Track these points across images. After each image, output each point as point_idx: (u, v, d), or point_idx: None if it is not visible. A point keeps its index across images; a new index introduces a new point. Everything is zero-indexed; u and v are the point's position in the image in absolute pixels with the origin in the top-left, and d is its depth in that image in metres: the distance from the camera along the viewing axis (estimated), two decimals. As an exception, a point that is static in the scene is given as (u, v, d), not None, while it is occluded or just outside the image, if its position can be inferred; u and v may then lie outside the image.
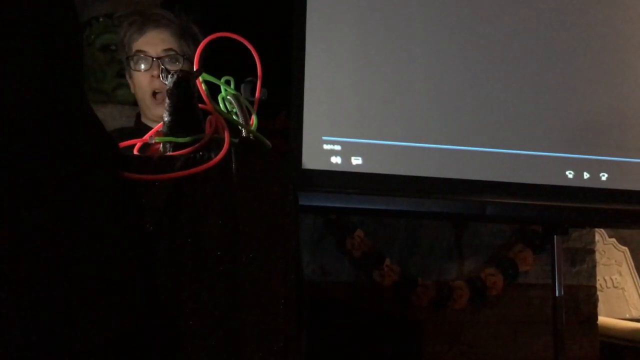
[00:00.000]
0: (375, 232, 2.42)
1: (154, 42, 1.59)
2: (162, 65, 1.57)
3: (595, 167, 1.94)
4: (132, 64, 1.60)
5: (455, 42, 1.89)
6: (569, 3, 2.00)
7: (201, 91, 0.85)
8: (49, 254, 0.57)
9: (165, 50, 1.59)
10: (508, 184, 1.86)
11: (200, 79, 0.86)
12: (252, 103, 0.90)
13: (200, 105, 0.84)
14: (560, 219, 1.98)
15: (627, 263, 3.47)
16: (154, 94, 1.59)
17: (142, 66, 1.59)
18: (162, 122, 1.65)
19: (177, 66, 1.59)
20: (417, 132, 1.83)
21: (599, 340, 2.63)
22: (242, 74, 0.94)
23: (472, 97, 1.89)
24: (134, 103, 1.80)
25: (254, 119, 0.89)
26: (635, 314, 3.37)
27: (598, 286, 2.73)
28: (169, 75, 0.81)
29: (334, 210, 2.17)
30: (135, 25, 1.61)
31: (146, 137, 0.84)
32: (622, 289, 3.42)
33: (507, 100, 1.91)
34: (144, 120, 1.68)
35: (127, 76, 1.67)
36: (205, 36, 0.91)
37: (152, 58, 1.58)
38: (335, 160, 1.76)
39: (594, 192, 1.93)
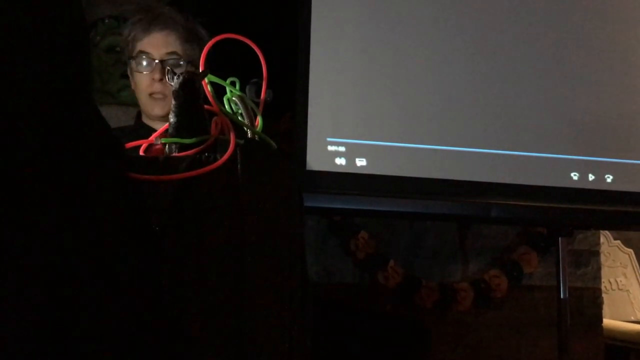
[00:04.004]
0: (380, 233, 2.42)
1: (158, 44, 1.58)
2: (164, 68, 1.55)
3: (600, 169, 1.94)
4: (134, 64, 1.59)
5: (460, 43, 1.89)
6: (575, 4, 1.99)
7: (207, 92, 0.86)
8: (53, 254, 0.57)
9: (169, 53, 1.58)
10: (513, 185, 1.86)
11: (206, 80, 0.86)
12: (257, 104, 0.90)
13: (205, 106, 0.84)
14: (565, 220, 1.98)
15: (633, 265, 3.46)
16: (152, 94, 1.58)
17: (144, 68, 1.58)
18: (167, 123, 1.65)
19: (180, 70, 1.58)
20: (421, 133, 1.83)
21: (604, 342, 2.62)
22: (247, 75, 0.95)
23: (476, 98, 1.88)
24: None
25: (259, 120, 0.89)
26: (640, 317, 3.35)
27: (603, 288, 2.72)
28: (175, 77, 0.81)
29: (338, 211, 2.18)
30: (140, 24, 1.59)
31: (152, 138, 0.84)
32: (627, 291, 3.40)
33: (512, 101, 1.91)
34: (144, 119, 1.67)
35: (129, 72, 1.66)
36: (210, 37, 0.91)
37: (155, 61, 1.57)
38: (340, 161, 1.76)
39: (599, 194, 1.92)
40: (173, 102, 0.81)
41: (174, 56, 1.58)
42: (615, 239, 3.45)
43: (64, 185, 0.59)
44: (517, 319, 2.52)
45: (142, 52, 1.58)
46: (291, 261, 0.77)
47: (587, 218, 1.97)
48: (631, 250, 3.49)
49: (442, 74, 1.87)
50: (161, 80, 1.55)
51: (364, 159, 1.78)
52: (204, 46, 1.63)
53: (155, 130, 1.47)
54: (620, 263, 3.44)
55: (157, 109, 1.59)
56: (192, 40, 1.61)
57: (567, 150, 1.92)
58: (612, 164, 1.95)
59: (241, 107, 0.87)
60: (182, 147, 0.79)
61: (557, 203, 1.88)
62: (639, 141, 2.00)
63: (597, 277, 2.65)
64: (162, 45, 1.58)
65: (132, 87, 1.66)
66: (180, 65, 1.57)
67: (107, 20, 2.19)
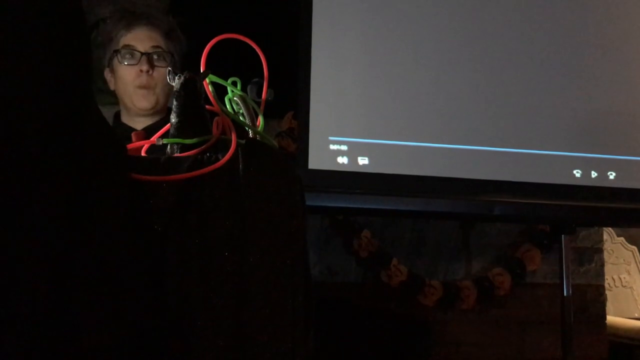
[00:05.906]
0: (382, 232, 2.42)
1: (142, 38, 1.61)
2: (151, 60, 1.59)
3: (602, 166, 1.94)
4: (119, 57, 1.62)
5: (462, 41, 1.89)
6: (577, 3, 1.99)
7: (208, 92, 0.86)
8: (56, 255, 0.57)
9: (154, 47, 1.61)
10: (515, 183, 1.86)
11: (207, 80, 0.86)
12: (258, 104, 0.90)
13: (207, 106, 0.84)
14: (568, 218, 1.98)
15: (636, 262, 3.46)
16: (139, 87, 1.60)
17: (130, 60, 1.61)
18: (147, 122, 1.66)
19: (164, 63, 1.62)
20: (423, 131, 1.83)
21: (608, 339, 2.62)
22: (248, 75, 0.94)
23: (478, 96, 1.88)
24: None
25: (260, 120, 0.89)
26: (643, 313, 3.35)
27: (606, 285, 2.72)
28: (177, 77, 0.81)
29: (341, 210, 2.17)
30: (124, 21, 1.63)
31: (153, 138, 0.84)
32: (631, 288, 3.40)
33: (514, 99, 1.90)
34: (123, 119, 1.68)
35: (107, 71, 1.68)
36: (208, 37, 0.91)
37: (141, 53, 1.60)
38: (342, 160, 1.76)
39: (602, 191, 1.92)
40: (174, 102, 0.81)
41: (159, 49, 1.62)
42: (618, 235, 3.45)
43: (66, 185, 0.59)
44: (521, 317, 2.51)
45: (127, 45, 1.61)
46: (293, 260, 0.77)
47: (590, 215, 1.97)
48: (635, 247, 3.49)
49: (444, 72, 1.87)
50: (148, 71, 1.59)
51: (366, 158, 1.78)
52: (182, 45, 1.70)
53: (134, 129, 1.49)
54: (624, 260, 3.43)
55: (144, 102, 1.61)
56: (173, 38, 1.66)
57: (569, 147, 1.92)
58: (614, 160, 1.95)
59: (242, 107, 0.87)
60: (184, 148, 0.79)
61: (560, 200, 1.88)
62: (641, 138, 1.99)
63: (600, 274, 2.64)
64: (147, 40, 1.62)
65: (111, 86, 1.68)
66: (165, 59, 1.62)
67: (108, 21, 2.19)
